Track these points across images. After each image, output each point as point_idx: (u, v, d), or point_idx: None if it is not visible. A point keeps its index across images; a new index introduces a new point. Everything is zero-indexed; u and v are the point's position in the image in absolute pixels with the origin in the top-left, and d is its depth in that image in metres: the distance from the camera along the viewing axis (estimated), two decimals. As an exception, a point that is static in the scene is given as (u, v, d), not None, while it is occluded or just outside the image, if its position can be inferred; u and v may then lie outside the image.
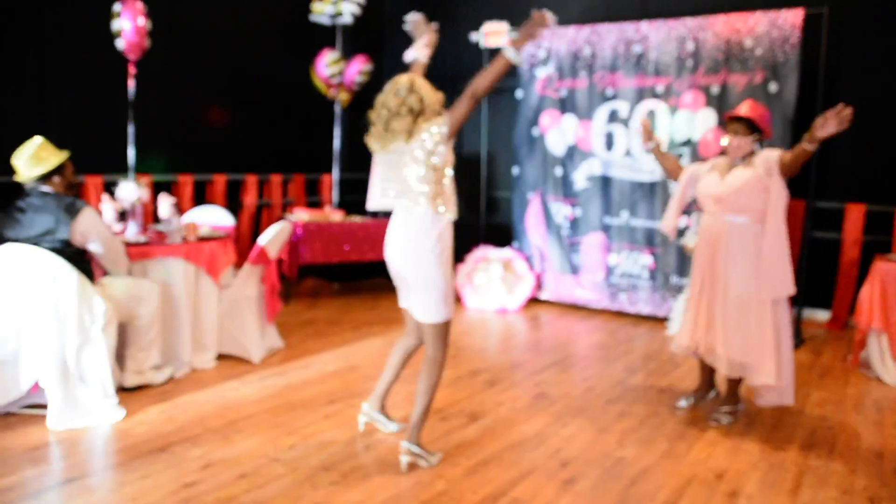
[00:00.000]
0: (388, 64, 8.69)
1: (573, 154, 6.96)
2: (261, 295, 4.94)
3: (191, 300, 4.61)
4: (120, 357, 4.21)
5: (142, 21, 5.15)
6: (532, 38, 3.27)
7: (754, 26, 5.99)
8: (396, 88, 3.28)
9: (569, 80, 6.98)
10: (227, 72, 7.42)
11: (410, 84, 3.27)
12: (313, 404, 4.16)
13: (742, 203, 3.85)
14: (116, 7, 5.09)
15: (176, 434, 3.66)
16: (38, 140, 3.96)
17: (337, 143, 7.88)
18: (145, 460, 3.34)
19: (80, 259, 3.91)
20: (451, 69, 8.35)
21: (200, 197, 7.17)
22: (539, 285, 7.15)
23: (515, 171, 7.34)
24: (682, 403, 4.34)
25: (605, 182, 6.77)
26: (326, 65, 7.42)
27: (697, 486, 3.30)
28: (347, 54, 7.78)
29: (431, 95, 3.29)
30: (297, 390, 4.39)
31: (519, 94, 7.29)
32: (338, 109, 7.83)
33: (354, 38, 8.34)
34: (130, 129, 5.55)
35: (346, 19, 7.47)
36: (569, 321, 6.54)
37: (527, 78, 7.23)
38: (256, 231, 7.66)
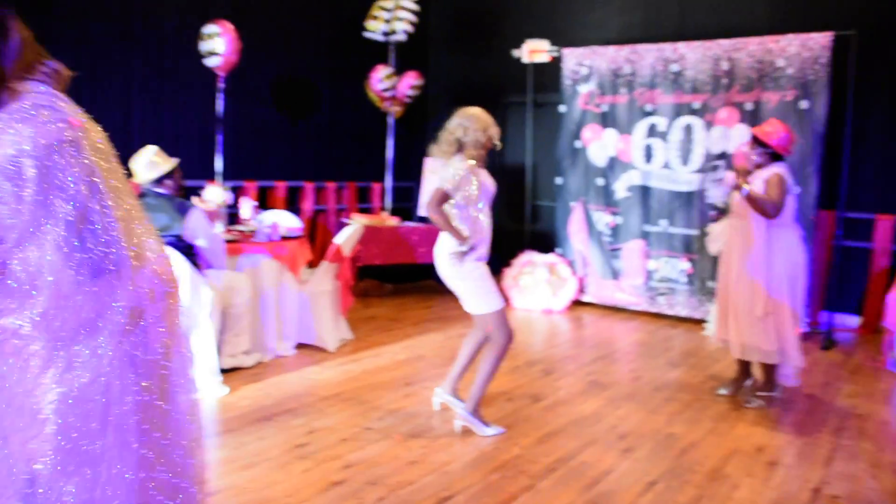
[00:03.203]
0: (432, 78, 9.20)
1: (614, 165, 7.42)
2: (335, 290, 5.44)
3: (275, 293, 5.11)
4: (217, 342, 4.70)
5: (236, 41, 5.70)
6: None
7: (786, 47, 6.42)
8: (460, 119, 3.85)
9: (609, 97, 7.44)
10: (288, 86, 7.96)
11: (468, 118, 3.84)
12: (391, 386, 4.64)
13: (750, 210, 4.37)
14: (212, 29, 5.64)
15: (276, 407, 4.15)
16: (153, 147, 4.49)
17: (390, 152, 8.40)
18: (256, 426, 3.83)
19: (190, 253, 4.42)
20: (495, 85, 8.86)
21: (262, 202, 7.69)
22: (582, 288, 7.59)
23: (559, 181, 7.81)
24: (723, 391, 4.76)
25: (645, 192, 7.22)
26: (380, 79, 7.94)
27: (741, 456, 3.73)
28: (398, 70, 8.29)
29: (478, 136, 3.81)
30: (373, 375, 4.87)
31: (562, 108, 7.76)
32: (391, 121, 8.35)
33: (402, 54, 8.85)
34: (219, 139, 6.10)
35: (400, 37, 8.00)
36: (610, 322, 6.98)
37: (569, 93, 7.70)
38: (312, 234, 8.17)
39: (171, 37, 6.53)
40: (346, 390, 4.51)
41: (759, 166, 4.44)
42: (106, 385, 1.67)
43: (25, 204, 1.54)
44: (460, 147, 3.87)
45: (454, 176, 3.75)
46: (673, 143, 7.03)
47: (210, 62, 5.67)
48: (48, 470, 1.66)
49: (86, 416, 1.67)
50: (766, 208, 4.27)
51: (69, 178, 1.59)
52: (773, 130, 4.42)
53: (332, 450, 3.57)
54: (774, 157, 4.42)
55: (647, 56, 7.18)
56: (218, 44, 5.59)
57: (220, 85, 5.94)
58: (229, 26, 5.61)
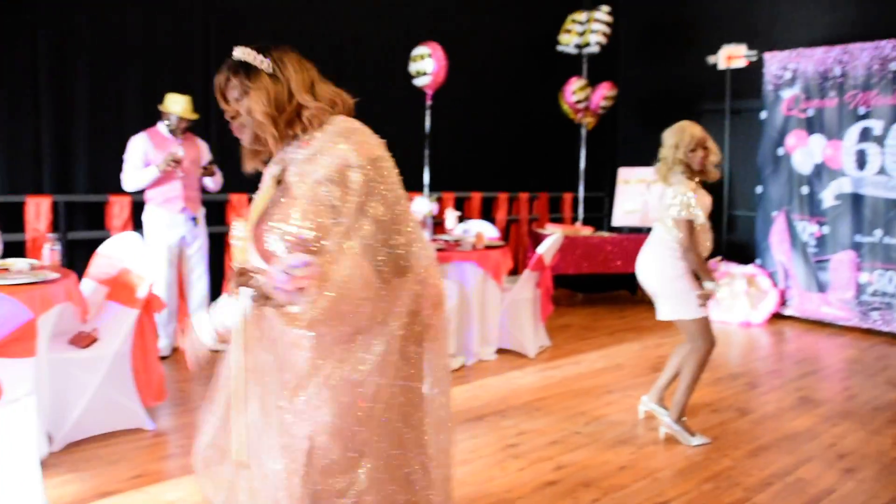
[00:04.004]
0: (624, 88, 9.15)
1: (821, 173, 7.06)
2: (536, 298, 5.60)
3: (479, 300, 5.35)
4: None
5: (444, 60, 6.06)
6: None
7: None
8: (670, 134, 3.90)
9: (816, 101, 7.10)
10: (485, 100, 8.25)
11: (676, 132, 3.87)
12: (593, 393, 4.73)
13: None
14: (422, 50, 6.03)
15: (485, 408, 4.37)
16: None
17: (583, 163, 8.48)
18: (469, 426, 4.06)
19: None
20: (689, 93, 8.69)
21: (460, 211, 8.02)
22: (783, 301, 7.28)
23: (759, 189, 7.54)
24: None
25: (857, 200, 6.81)
26: (573, 91, 8.05)
27: (982, 486, 3.47)
28: (591, 81, 8.36)
29: (686, 152, 3.84)
30: (574, 381, 4.98)
31: (763, 115, 7.49)
32: (583, 132, 8.43)
33: (594, 66, 8.89)
34: (426, 153, 6.51)
35: (593, 49, 8.07)
36: (815, 337, 6.64)
37: (771, 99, 7.42)
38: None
39: (380, 59, 7.01)
40: (549, 395, 4.66)
41: None
42: (381, 369, 1.90)
43: (351, 206, 1.81)
44: (675, 165, 3.88)
45: (686, 203, 3.76)
46: (891, 147, 6.58)
47: (419, 82, 6.06)
48: (316, 442, 1.90)
49: (355, 401, 1.90)
50: None
51: (383, 187, 1.86)
52: None
53: (542, 451, 3.73)
54: None
55: (861, 56, 6.79)
56: (427, 64, 5.96)
57: (428, 102, 6.33)
58: (438, 47, 5.97)
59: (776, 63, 7.39)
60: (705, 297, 3.82)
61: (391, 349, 1.91)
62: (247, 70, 1.93)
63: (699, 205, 3.80)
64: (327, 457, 1.88)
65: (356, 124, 1.95)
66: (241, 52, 1.96)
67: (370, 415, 1.90)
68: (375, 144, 1.92)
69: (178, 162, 5.04)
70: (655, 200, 4.08)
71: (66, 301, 3.52)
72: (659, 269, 3.89)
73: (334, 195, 1.82)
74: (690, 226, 3.77)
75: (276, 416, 1.92)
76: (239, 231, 1.93)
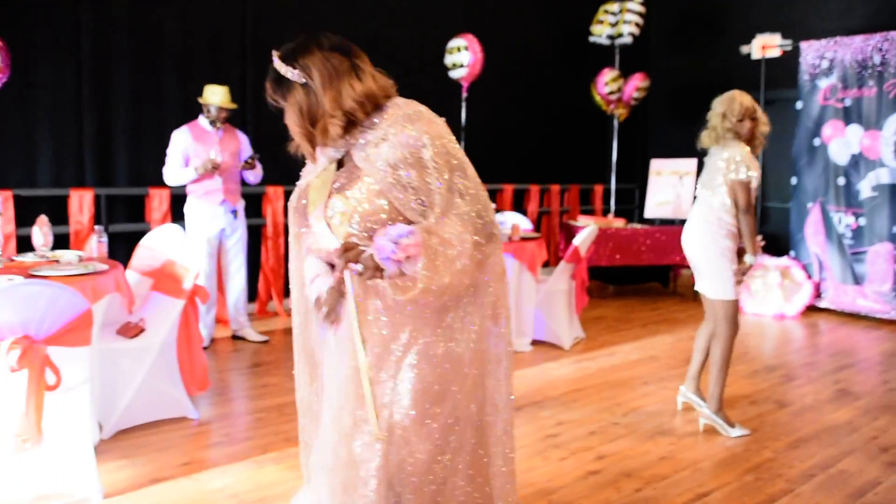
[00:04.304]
0: (655, 79, 9.10)
1: (858, 163, 6.98)
2: (571, 289, 5.62)
3: (514, 292, 5.37)
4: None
5: (480, 52, 6.09)
6: None
7: None
8: (718, 104, 3.89)
9: (854, 90, 7.02)
10: (516, 91, 8.26)
11: (722, 101, 3.85)
12: (629, 385, 4.74)
13: None
14: (458, 42, 6.06)
15: (522, 399, 4.40)
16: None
17: (614, 155, 8.46)
18: (507, 415, 4.09)
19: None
20: (722, 83, 8.60)
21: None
22: (817, 294, 7.22)
23: (793, 181, 7.47)
24: None
25: (895, 191, 6.73)
26: (606, 83, 8.03)
27: None
28: (623, 72, 8.33)
29: (733, 121, 3.83)
30: (610, 373, 5.00)
31: (798, 105, 7.42)
32: (615, 123, 8.40)
33: (626, 57, 8.85)
34: (462, 146, 6.53)
35: (625, 39, 8.04)
36: (851, 329, 6.59)
37: (808, 89, 7.35)
38: (536, 236, 8.41)
39: (416, 51, 7.04)
40: (585, 387, 4.68)
41: None
42: (479, 336, 1.93)
43: (436, 185, 1.83)
44: (724, 133, 3.87)
45: (743, 165, 3.73)
46: (929, 138, 6.50)
47: (455, 74, 6.09)
48: (401, 418, 1.91)
49: (455, 367, 1.93)
50: None
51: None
52: None
53: (582, 441, 3.76)
54: None
55: (902, 44, 6.70)
56: (463, 56, 6.00)
57: (464, 94, 6.36)
58: (473, 39, 6.00)
59: (812, 52, 7.31)
60: (742, 273, 3.81)
61: (485, 315, 1.94)
62: (280, 84, 1.91)
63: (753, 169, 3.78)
64: (430, 424, 1.91)
65: (420, 107, 1.95)
66: (275, 62, 1.95)
67: (465, 380, 1.94)
68: (441, 124, 1.94)
69: (215, 167, 5.12)
70: (688, 191, 4.08)
71: (116, 291, 3.61)
72: (703, 246, 3.88)
73: (413, 176, 1.84)
74: (746, 187, 3.75)
75: (376, 388, 1.93)
76: (339, 206, 1.90)
